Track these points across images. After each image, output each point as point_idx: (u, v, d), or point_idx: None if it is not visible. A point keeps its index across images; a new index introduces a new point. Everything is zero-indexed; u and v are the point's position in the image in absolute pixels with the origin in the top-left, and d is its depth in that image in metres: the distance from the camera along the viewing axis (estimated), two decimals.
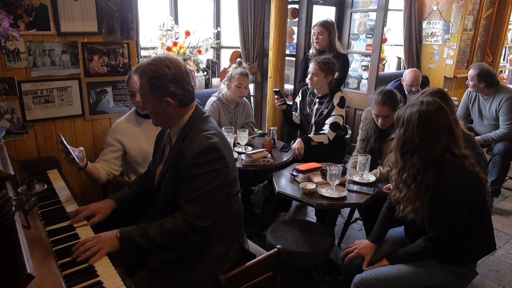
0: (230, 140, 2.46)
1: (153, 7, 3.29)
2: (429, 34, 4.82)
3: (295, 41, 3.93)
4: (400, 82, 3.81)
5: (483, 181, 1.59)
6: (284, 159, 2.60)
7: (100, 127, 2.48)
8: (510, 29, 5.75)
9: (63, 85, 2.29)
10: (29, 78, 2.17)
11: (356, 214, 2.85)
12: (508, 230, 3.05)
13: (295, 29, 3.89)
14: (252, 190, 3.20)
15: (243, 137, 2.63)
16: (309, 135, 2.87)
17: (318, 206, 2.01)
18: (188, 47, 3.27)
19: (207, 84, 3.57)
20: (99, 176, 1.97)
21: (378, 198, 2.10)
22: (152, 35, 3.18)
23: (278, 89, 3.07)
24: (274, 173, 2.44)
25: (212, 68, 3.57)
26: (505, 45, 5.70)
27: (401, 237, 1.85)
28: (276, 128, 2.96)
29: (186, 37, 3.26)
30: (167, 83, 1.39)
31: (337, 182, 2.06)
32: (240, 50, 3.54)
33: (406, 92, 3.70)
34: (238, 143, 2.71)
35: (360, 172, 2.29)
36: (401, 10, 4.70)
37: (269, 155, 2.49)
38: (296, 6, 3.77)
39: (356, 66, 4.33)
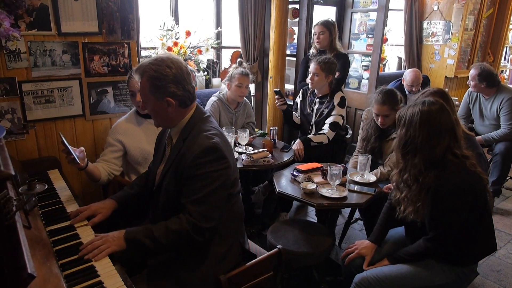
0: (231, 140, 2.46)
1: (153, 7, 3.29)
2: (430, 34, 4.81)
3: (295, 41, 3.93)
4: (401, 82, 3.81)
5: (484, 182, 1.59)
6: (285, 159, 2.60)
7: (101, 127, 2.48)
8: (511, 29, 5.74)
9: (63, 85, 2.29)
10: (30, 78, 2.17)
11: (357, 214, 2.84)
12: (509, 230, 3.05)
13: (296, 29, 3.89)
14: (252, 190, 3.20)
15: (244, 137, 2.63)
16: (308, 136, 2.87)
17: (319, 206, 2.01)
18: (188, 47, 3.27)
19: (208, 84, 3.57)
20: (99, 176, 1.98)
21: (378, 198, 2.10)
22: (153, 35, 3.18)
23: (278, 89, 3.07)
24: (275, 173, 2.44)
25: (213, 68, 3.57)
26: (506, 45, 5.69)
27: (402, 237, 1.85)
28: (276, 128, 2.96)
29: (186, 37, 3.26)
30: (168, 83, 1.39)
31: (337, 182, 2.06)
32: (240, 50, 3.54)
33: (407, 92, 3.70)
34: (239, 143, 2.71)
35: (361, 172, 2.29)
36: (402, 10, 4.70)
37: (270, 155, 2.49)
38: (297, 6, 3.77)
39: (357, 66, 4.33)
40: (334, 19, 3.94)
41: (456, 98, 4.21)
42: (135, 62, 2.50)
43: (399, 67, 5.31)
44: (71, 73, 2.30)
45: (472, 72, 3.37)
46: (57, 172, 2.05)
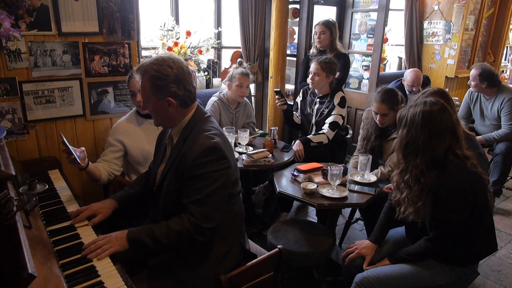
0: (231, 140, 2.46)
1: (154, 7, 3.30)
2: (430, 34, 4.81)
3: (296, 41, 3.93)
4: (401, 82, 3.81)
5: (484, 182, 1.58)
6: (285, 159, 2.60)
7: (101, 127, 2.48)
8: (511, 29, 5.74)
9: (64, 85, 2.29)
10: (30, 79, 2.17)
11: (357, 214, 2.84)
12: (510, 230, 3.05)
13: (296, 29, 3.89)
14: (253, 190, 3.20)
15: (244, 137, 2.63)
16: (307, 136, 2.86)
17: (319, 206, 2.01)
18: (189, 47, 3.28)
19: (208, 84, 3.57)
20: (100, 176, 1.98)
21: (379, 198, 2.10)
22: (153, 35, 3.18)
23: (279, 89, 3.07)
24: (275, 173, 2.44)
25: (213, 68, 3.57)
26: (506, 45, 5.69)
27: (402, 237, 1.85)
28: (277, 128, 2.96)
29: (187, 37, 3.26)
30: (169, 83, 1.39)
31: (338, 182, 2.06)
32: (241, 50, 3.54)
33: (407, 92, 3.70)
34: (239, 143, 2.71)
35: (361, 172, 2.29)
36: (402, 10, 4.70)
37: (270, 155, 2.48)
38: (297, 6, 3.77)
39: (357, 66, 4.32)
40: (334, 19, 3.94)
41: (457, 98, 4.21)
42: (135, 62, 2.50)
43: (400, 67, 5.31)
44: (71, 73, 2.30)
45: (473, 72, 3.36)
46: (58, 172, 2.05)
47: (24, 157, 2.20)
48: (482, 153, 2.39)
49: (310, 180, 2.25)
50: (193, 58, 3.34)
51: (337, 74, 3.03)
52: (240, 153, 2.58)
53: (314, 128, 3.01)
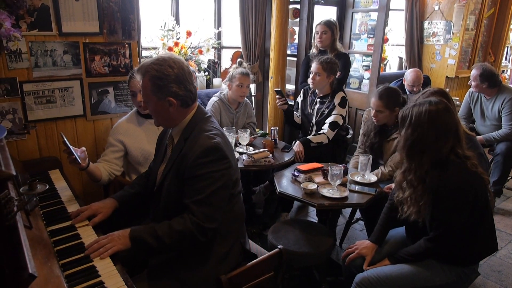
0: (232, 140, 2.46)
1: (154, 7, 3.30)
2: (431, 34, 4.81)
3: (296, 41, 3.93)
4: (402, 82, 3.81)
5: (485, 182, 1.58)
6: (286, 159, 2.60)
7: (102, 128, 2.49)
8: None
9: (64, 86, 2.29)
10: (31, 79, 2.17)
11: (358, 215, 2.84)
12: (510, 230, 3.04)
13: (296, 29, 3.89)
14: (253, 190, 3.20)
15: (245, 137, 2.63)
16: (307, 137, 2.86)
17: (320, 206, 2.01)
18: (189, 47, 3.28)
19: (208, 84, 3.57)
20: (100, 176, 1.98)
21: (379, 199, 2.10)
22: (154, 35, 3.18)
23: (279, 89, 3.07)
24: (276, 173, 2.43)
25: (213, 68, 3.57)
26: (507, 45, 5.69)
27: (402, 237, 1.85)
28: (277, 128, 2.96)
29: (187, 37, 3.26)
30: (169, 83, 1.39)
31: (338, 182, 2.05)
32: (241, 50, 3.54)
33: (408, 92, 3.70)
34: (240, 143, 2.71)
35: (362, 172, 2.29)
36: (403, 10, 4.70)
37: (271, 155, 2.48)
38: (298, 6, 3.77)
39: (358, 66, 4.33)
40: (335, 19, 3.94)
41: (457, 98, 4.21)
42: (136, 62, 2.50)
43: (400, 67, 5.31)
44: (72, 73, 2.30)
45: (474, 72, 3.36)
46: (58, 172, 2.05)
47: (24, 157, 2.21)
48: (483, 153, 2.38)
49: (311, 180, 2.25)
50: (194, 58, 3.34)
51: (338, 74, 3.03)
52: (241, 153, 2.58)
53: (314, 128, 3.01)
